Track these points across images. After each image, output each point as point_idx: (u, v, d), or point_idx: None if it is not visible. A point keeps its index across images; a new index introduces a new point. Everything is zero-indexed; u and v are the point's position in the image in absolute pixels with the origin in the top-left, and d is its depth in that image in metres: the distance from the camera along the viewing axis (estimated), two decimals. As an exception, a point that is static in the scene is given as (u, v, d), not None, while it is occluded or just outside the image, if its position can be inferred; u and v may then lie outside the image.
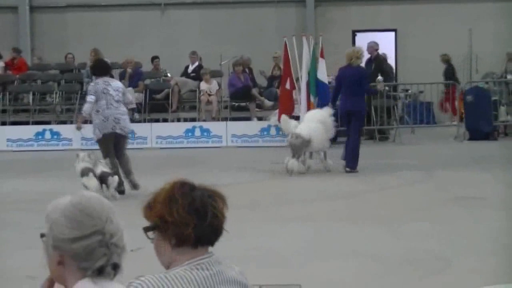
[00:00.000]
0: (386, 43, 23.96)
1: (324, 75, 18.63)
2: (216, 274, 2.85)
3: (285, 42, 19.18)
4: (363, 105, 14.83)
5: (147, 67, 23.08)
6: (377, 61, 20.47)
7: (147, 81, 22.21)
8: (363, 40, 24.64)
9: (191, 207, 2.83)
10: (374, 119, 20.13)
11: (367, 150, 17.99)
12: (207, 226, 2.85)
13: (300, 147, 13.99)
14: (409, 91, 23.62)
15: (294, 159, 14.05)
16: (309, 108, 18.47)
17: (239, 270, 3.00)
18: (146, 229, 2.86)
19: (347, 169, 14.26)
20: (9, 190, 13.12)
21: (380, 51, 21.21)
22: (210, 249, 2.94)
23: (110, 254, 2.40)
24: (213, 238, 2.91)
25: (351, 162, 14.28)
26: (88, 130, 20.12)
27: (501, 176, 13.52)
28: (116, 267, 2.43)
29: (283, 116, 15.46)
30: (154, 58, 23.28)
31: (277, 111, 19.74)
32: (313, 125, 14.24)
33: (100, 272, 2.39)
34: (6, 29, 26.62)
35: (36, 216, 8.23)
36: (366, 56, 20.77)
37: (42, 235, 2.49)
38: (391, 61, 23.96)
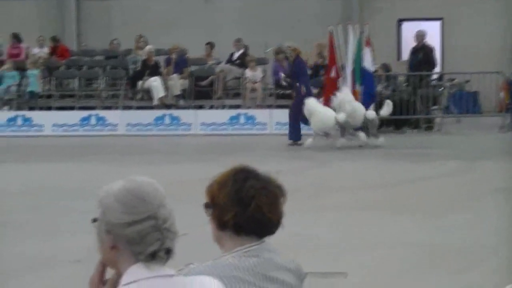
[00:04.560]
0: (430, 33, 23.72)
1: (369, 63, 18.61)
2: (266, 261, 2.85)
3: (330, 31, 19.12)
4: None
5: (191, 53, 23.08)
6: (425, 50, 20.30)
7: (193, 68, 22.21)
8: (408, 29, 24.46)
9: (236, 195, 2.85)
10: (420, 108, 19.98)
11: (412, 140, 17.87)
12: (248, 217, 2.85)
13: None
14: (455, 81, 23.39)
15: None
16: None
17: (293, 259, 3.00)
18: (205, 205, 2.93)
19: None
20: (55, 175, 13.24)
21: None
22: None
23: (163, 239, 2.40)
24: (260, 230, 2.90)
25: None
26: (133, 116, 20.35)
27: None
28: (169, 252, 2.44)
29: None
30: (208, 44, 23.13)
31: (321, 99, 19.69)
32: None
33: (153, 257, 2.40)
34: (52, 16, 26.83)
35: (82, 201, 8.34)
36: (413, 44, 20.65)
37: (94, 220, 2.49)
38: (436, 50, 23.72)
